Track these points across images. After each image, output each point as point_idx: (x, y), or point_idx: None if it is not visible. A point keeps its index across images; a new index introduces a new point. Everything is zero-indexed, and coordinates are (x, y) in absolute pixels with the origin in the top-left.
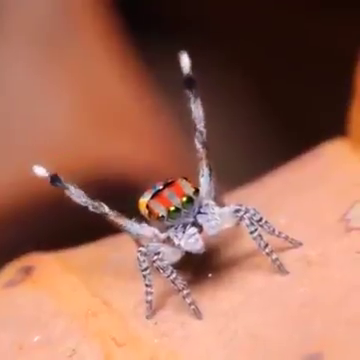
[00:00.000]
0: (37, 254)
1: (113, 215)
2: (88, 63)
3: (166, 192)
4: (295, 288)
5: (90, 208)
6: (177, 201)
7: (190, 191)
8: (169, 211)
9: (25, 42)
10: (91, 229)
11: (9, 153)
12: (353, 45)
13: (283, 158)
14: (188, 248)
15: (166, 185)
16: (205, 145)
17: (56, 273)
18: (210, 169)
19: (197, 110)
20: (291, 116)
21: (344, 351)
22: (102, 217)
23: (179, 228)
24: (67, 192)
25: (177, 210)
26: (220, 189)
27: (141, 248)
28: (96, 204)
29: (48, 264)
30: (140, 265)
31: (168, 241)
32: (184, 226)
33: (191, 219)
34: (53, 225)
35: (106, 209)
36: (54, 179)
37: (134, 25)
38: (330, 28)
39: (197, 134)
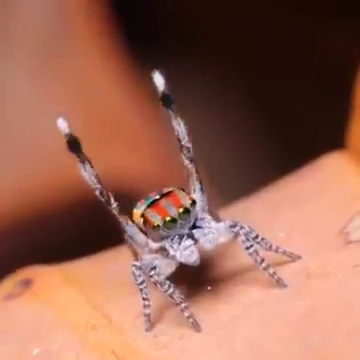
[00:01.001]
0: (37, 266)
1: (116, 209)
2: (86, 73)
3: (163, 202)
4: (294, 301)
5: (97, 192)
6: (174, 211)
7: (187, 202)
8: (165, 221)
9: (24, 52)
10: (91, 241)
11: (7, 162)
12: (353, 56)
13: (281, 170)
14: (183, 260)
15: (163, 195)
16: (193, 160)
17: (56, 286)
18: (201, 183)
19: (179, 127)
20: (289, 128)
21: None
22: (104, 206)
23: (175, 239)
24: (80, 166)
25: (173, 220)
26: (216, 203)
27: (135, 262)
28: (104, 191)
29: (48, 276)
30: (136, 279)
31: (161, 251)
32: (180, 237)
33: (186, 231)
34: (53, 237)
35: (112, 200)
36: (72, 143)
37: (131, 35)
38: (330, 38)
39: (184, 151)
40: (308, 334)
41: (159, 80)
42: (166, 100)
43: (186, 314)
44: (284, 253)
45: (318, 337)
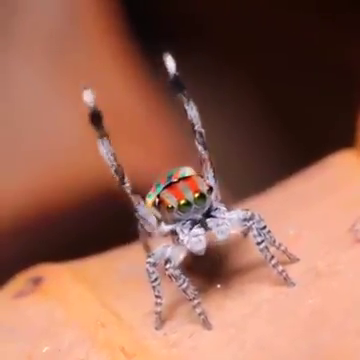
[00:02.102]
0: (46, 265)
1: (129, 188)
2: (96, 70)
3: (181, 185)
4: (304, 299)
5: (112, 170)
6: (190, 195)
7: (204, 188)
8: (180, 204)
9: (33, 50)
10: (100, 239)
11: (16, 162)
12: None
13: (290, 168)
14: (189, 246)
15: (181, 179)
16: (206, 146)
17: (65, 284)
18: (214, 171)
19: (192, 111)
20: (298, 126)
21: None
22: (118, 185)
23: (187, 224)
24: (98, 141)
25: (188, 204)
26: (227, 202)
27: (149, 259)
28: (119, 169)
29: (58, 275)
30: (149, 277)
31: (172, 235)
32: (192, 223)
33: (200, 216)
34: (62, 235)
35: (126, 179)
36: (95, 116)
37: (144, 31)
38: (340, 37)
39: (196, 136)
40: (317, 332)
41: (171, 63)
42: (177, 84)
43: (198, 311)
44: (284, 252)
45: (327, 335)
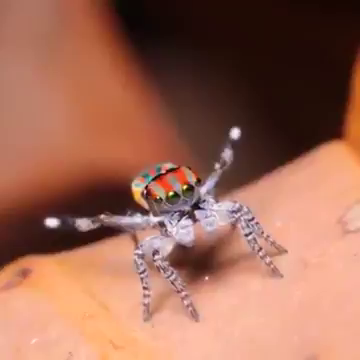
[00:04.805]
0: (34, 257)
1: (107, 218)
2: (86, 67)
3: (169, 176)
4: (292, 290)
5: (94, 226)
6: (178, 187)
7: (192, 180)
8: (168, 195)
9: (23, 46)
10: (88, 231)
11: (6, 156)
12: (351, 48)
13: (280, 161)
14: (178, 238)
15: (170, 171)
16: (223, 167)
17: (53, 276)
18: (217, 182)
19: (229, 153)
20: (288, 119)
21: (341, 353)
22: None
23: (175, 216)
24: (77, 228)
25: (176, 196)
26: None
27: (137, 250)
28: (95, 219)
29: (45, 267)
30: (137, 268)
31: (160, 227)
32: (180, 215)
33: (188, 208)
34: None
35: (102, 217)
36: (70, 226)
37: (133, 29)
38: (328, 30)
39: (221, 161)
40: (305, 324)
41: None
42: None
43: (186, 302)
44: (273, 243)
45: (315, 327)
